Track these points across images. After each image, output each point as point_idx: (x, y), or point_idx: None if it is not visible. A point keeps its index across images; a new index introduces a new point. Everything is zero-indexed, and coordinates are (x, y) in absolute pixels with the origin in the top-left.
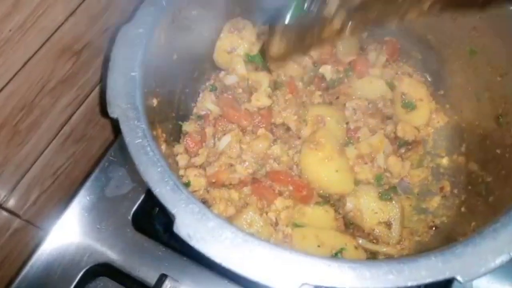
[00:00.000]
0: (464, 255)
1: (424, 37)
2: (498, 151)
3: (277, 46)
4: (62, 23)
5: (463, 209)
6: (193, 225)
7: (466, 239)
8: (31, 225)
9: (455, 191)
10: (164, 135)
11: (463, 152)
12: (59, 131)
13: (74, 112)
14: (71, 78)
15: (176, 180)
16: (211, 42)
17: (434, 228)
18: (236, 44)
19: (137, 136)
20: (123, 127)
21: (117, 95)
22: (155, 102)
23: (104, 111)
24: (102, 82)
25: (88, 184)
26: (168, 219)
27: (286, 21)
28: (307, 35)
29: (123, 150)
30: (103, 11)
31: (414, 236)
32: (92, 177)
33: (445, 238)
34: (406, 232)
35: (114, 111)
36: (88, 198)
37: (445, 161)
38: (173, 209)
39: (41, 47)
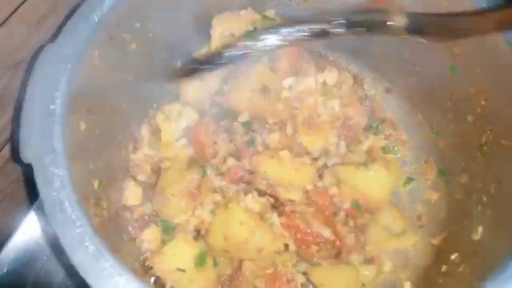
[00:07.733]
0: None
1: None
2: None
3: None
4: None
5: None
6: None
7: None
8: None
9: None
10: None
11: None
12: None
13: None
14: None
15: (99, 243)
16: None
17: None
18: None
19: (53, 188)
20: (37, 176)
21: (32, 134)
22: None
23: (16, 155)
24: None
25: None
26: None
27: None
28: None
29: None
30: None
31: None
32: None
33: None
34: None
35: (26, 155)
36: None
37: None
38: (93, 282)
39: None
